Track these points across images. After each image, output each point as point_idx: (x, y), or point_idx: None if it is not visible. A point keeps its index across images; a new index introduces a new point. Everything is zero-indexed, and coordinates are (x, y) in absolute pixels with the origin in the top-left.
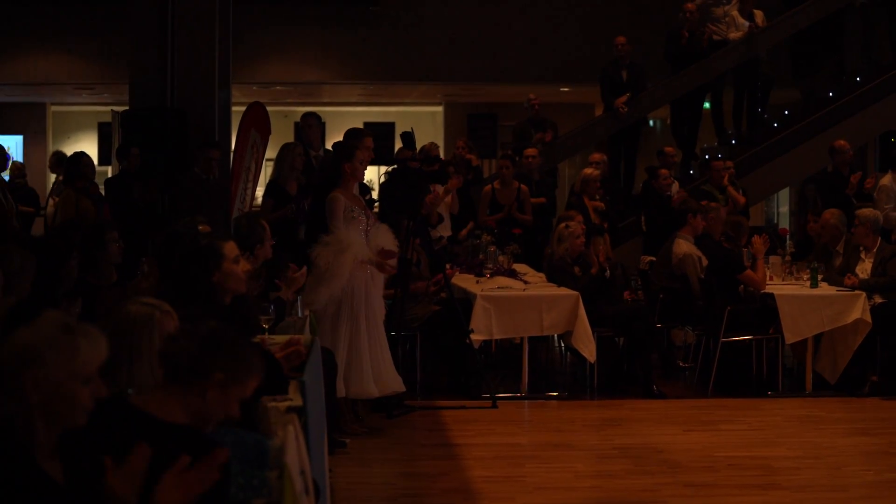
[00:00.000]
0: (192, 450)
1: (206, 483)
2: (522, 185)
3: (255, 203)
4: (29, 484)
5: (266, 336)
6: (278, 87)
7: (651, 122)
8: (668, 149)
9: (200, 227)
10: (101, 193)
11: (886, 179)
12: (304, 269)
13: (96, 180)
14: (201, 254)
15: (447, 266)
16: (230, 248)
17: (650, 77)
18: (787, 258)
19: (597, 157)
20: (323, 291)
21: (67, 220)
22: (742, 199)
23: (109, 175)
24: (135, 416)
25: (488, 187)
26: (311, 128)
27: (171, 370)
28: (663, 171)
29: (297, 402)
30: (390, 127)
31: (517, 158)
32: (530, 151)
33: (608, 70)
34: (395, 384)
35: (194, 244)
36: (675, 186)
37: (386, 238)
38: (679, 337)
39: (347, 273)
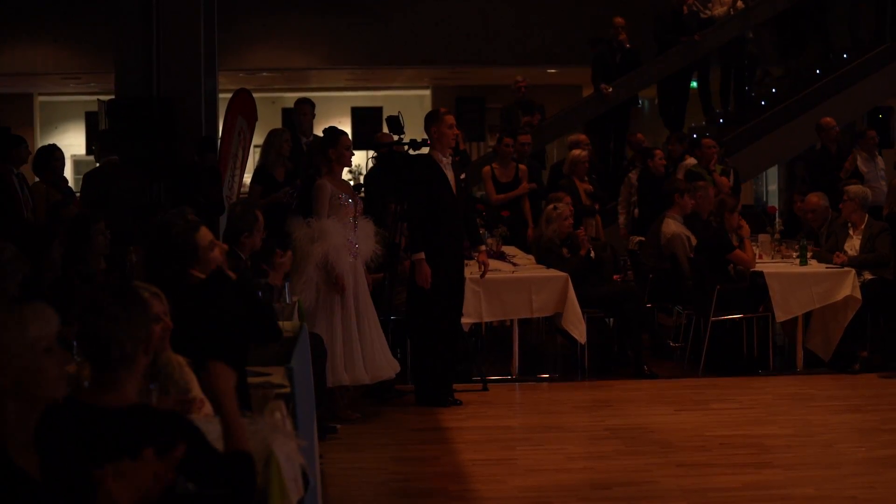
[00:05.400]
0: (158, 429)
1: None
2: (521, 165)
3: (242, 190)
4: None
5: None
6: (265, 74)
7: (640, 103)
8: (639, 135)
9: (190, 217)
10: (70, 187)
11: None
12: (290, 253)
13: (84, 171)
14: (177, 250)
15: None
16: (202, 237)
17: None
18: (777, 236)
19: (580, 137)
20: (297, 275)
21: (49, 212)
22: (726, 182)
23: (98, 166)
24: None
25: (487, 168)
26: (304, 115)
27: (105, 361)
28: (658, 152)
29: (286, 388)
30: (378, 111)
31: (514, 141)
32: (525, 138)
33: (602, 52)
34: (388, 370)
35: (169, 240)
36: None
37: (367, 239)
38: (668, 318)
39: (315, 261)
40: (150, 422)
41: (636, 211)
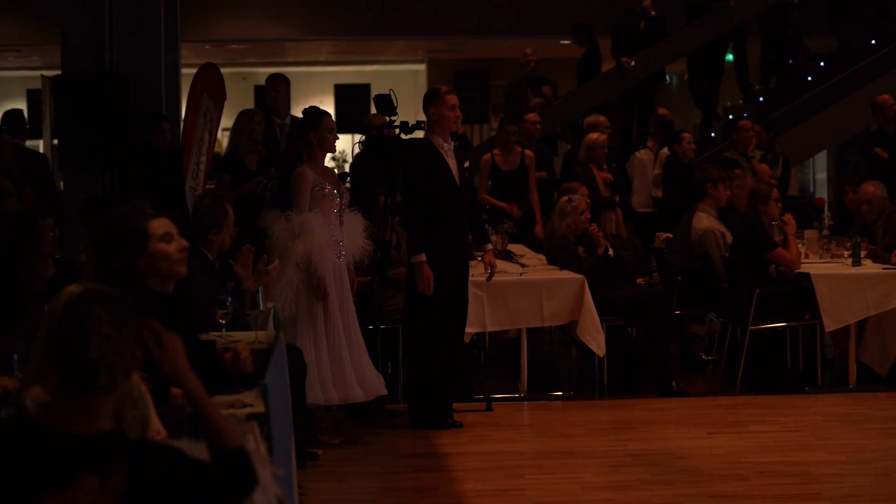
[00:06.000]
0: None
1: None
2: (527, 151)
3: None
4: None
5: (223, 333)
6: (234, 46)
7: (667, 78)
8: (661, 110)
9: (148, 211)
10: (22, 173)
11: None
12: (277, 262)
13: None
14: (121, 235)
15: None
16: (158, 226)
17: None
18: (825, 232)
19: (599, 119)
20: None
21: None
22: (767, 171)
23: (41, 149)
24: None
25: (487, 155)
26: (277, 92)
27: (86, 385)
28: (686, 135)
29: (259, 408)
30: (365, 89)
31: (517, 128)
32: (532, 116)
33: (623, 20)
34: (379, 386)
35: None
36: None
37: (355, 236)
38: (701, 328)
39: (295, 261)
40: (121, 450)
41: (632, 197)
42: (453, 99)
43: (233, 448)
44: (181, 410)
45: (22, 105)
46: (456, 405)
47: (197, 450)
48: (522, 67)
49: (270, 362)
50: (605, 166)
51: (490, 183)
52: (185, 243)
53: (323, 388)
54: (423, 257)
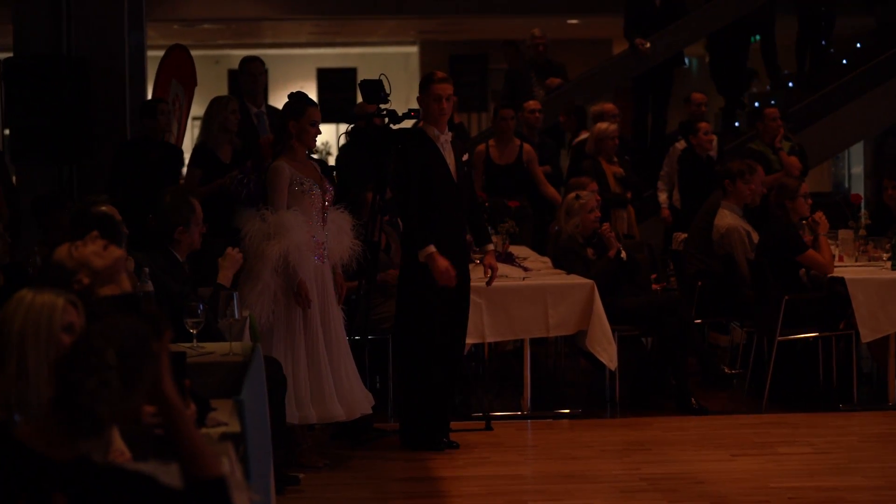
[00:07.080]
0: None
1: None
2: (525, 144)
3: None
4: None
5: (195, 344)
6: (206, 26)
7: (686, 62)
8: (697, 95)
9: (104, 208)
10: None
11: None
12: (237, 249)
13: None
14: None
15: None
16: (59, 253)
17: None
18: (862, 232)
19: (605, 108)
20: (250, 282)
21: None
22: (796, 164)
23: None
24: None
25: (481, 146)
26: (253, 77)
27: (67, 421)
28: (703, 125)
29: (234, 427)
30: (350, 74)
31: (517, 112)
32: (531, 104)
33: None
34: (364, 404)
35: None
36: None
37: (341, 236)
38: (723, 338)
39: (272, 264)
40: (90, 479)
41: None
42: (440, 89)
43: (211, 478)
44: (148, 430)
45: None
46: (452, 424)
47: (167, 474)
48: (529, 49)
49: (247, 376)
50: (615, 159)
51: (485, 178)
52: (100, 244)
53: (299, 406)
54: (433, 248)
